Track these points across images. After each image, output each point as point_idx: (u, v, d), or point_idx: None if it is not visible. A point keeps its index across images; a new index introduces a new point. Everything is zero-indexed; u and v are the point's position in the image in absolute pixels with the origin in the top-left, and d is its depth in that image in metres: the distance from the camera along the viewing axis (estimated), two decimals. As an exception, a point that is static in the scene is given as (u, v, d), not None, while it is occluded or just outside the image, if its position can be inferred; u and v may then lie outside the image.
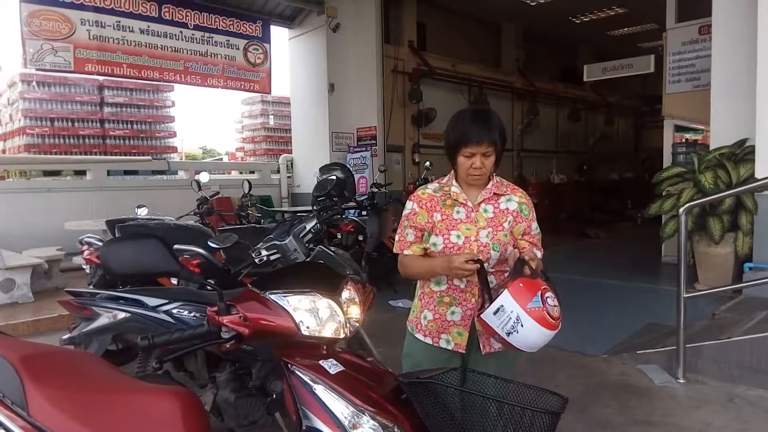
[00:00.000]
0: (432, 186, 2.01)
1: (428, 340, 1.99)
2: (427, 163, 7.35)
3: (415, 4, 10.41)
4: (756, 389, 3.46)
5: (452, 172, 1.98)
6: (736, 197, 5.25)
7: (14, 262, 5.80)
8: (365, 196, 7.40)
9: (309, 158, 9.17)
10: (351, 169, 8.99)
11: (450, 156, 1.93)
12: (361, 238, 6.03)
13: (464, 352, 1.95)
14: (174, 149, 12.47)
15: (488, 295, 1.67)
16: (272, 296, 1.53)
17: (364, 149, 9.02)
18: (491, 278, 1.83)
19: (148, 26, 8.03)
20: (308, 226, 3.14)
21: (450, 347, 1.94)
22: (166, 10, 8.23)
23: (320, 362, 1.48)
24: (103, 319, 2.20)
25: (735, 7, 5.41)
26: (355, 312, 1.71)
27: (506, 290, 1.61)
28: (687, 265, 3.72)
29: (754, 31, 4.73)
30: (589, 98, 15.80)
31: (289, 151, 10.54)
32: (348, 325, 1.63)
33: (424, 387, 1.41)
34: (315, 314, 1.54)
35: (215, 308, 1.48)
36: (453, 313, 1.93)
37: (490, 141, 1.82)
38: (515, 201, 1.94)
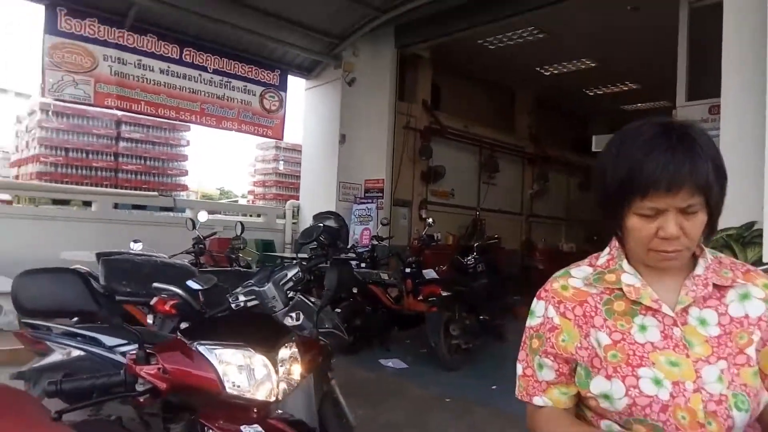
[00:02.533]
0: (579, 270, 1.12)
1: None
2: (429, 219, 7.29)
3: (431, 67, 10.67)
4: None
5: (614, 241, 1.10)
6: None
7: (3, 287, 5.71)
8: (366, 248, 7.33)
9: (315, 206, 9.14)
10: (356, 220, 8.99)
11: (608, 209, 1.05)
12: (355, 290, 5.90)
13: None
14: (185, 187, 12.59)
15: None
16: (200, 347, 1.39)
17: (370, 201, 9.01)
18: None
19: (168, 67, 8.26)
20: (290, 274, 3.02)
21: None
22: (187, 53, 8.48)
23: (242, 428, 1.33)
24: (56, 356, 2.07)
25: (743, 90, 5.43)
26: (296, 372, 1.57)
27: None
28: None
29: (762, 114, 4.72)
30: (601, 169, 15.82)
31: (297, 198, 10.57)
32: (284, 387, 1.48)
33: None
34: (248, 372, 1.39)
35: (134, 355, 1.34)
36: None
37: (695, 186, 0.94)
38: (759, 296, 1.02)
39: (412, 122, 10.20)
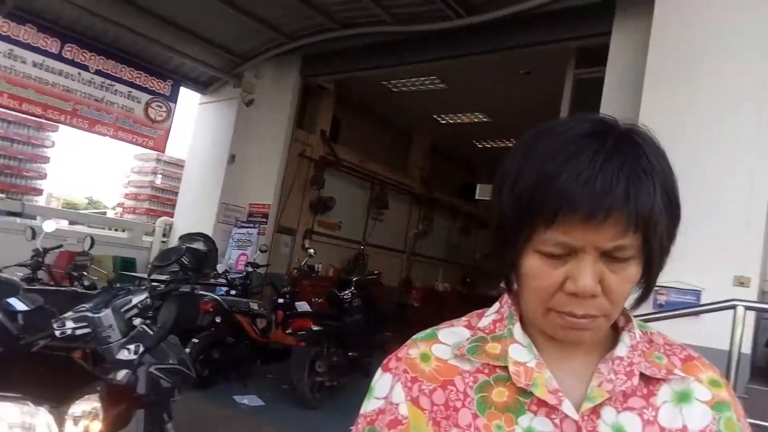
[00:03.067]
0: (451, 333, 0.76)
1: None
2: (311, 250, 7.19)
3: (334, 99, 10.75)
4: None
5: (505, 295, 0.77)
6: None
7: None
8: (240, 275, 7.04)
9: (191, 226, 8.67)
10: (234, 244, 8.64)
11: (500, 242, 0.71)
12: (218, 320, 5.60)
13: None
14: (39, 191, 11.37)
15: None
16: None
17: (252, 226, 8.73)
18: None
19: (44, 61, 7.55)
20: (135, 300, 2.76)
21: None
22: (69, 49, 7.81)
23: None
24: None
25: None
26: (95, 430, 1.38)
27: None
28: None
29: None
30: (481, 216, 16.76)
31: (172, 215, 9.97)
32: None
33: None
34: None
35: None
36: None
37: (632, 216, 0.61)
38: (703, 398, 0.71)
39: (308, 151, 10.14)
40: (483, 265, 17.65)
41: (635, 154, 0.63)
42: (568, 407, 0.66)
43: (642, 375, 0.69)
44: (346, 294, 6.53)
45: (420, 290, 13.26)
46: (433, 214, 14.35)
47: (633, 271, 0.64)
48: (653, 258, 0.65)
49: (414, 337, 0.77)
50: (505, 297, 0.76)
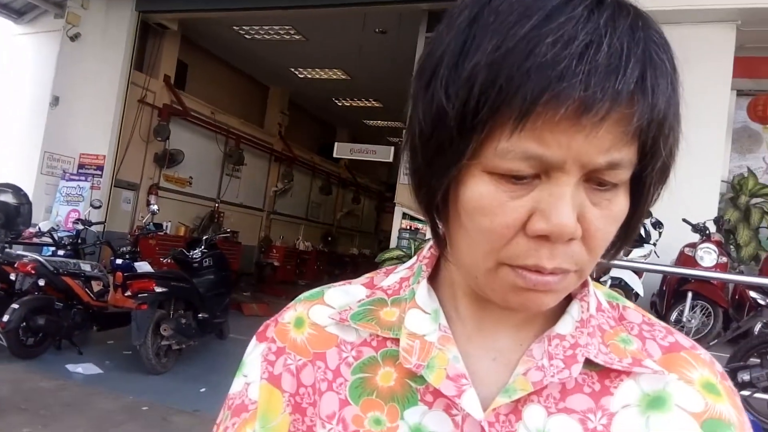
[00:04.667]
0: (341, 292, 0.55)
1: None
2: (154, 206, 6.58)
3: (179, 40, 9.79)
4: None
5: (425, 247, 0.56)
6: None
7: None
8: (70, 233, 6.24)
9: (9, 176, 7.43)
10: (62, 199, 7.62)
11: (431, 159, 0.44)
12: (42, 283, 4.90)
13: None
14: None
15: None
16: None
17: (83, 179, 7.72)
18: None
19: None
20: None
21: None
22: None
23: None
24: None
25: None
26: None
27: None
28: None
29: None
30: (342, 175, 16.83)
31: (-17, 164, 8.48)
32: None
33: None
34: None
35: None
36: None
37: (641, 112, 0.38)
38: (690, 408, 0.46)
39: (149, 97, 9.17)
40: (344, 224, 17.90)
41: (645, 21, 0.41)
42: (469, 401, 0.45)
43: (592, 364, 0.47)
44: (196, 253, 6.11)
45: (280, 249, 13.01)
46: (293, 172, 14.02)
47: (622, 203, 0.43)
48: (647, 185, 0.43)
49: (300, 296, 0.57)
50: (425, 248, 0.55)
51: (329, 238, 16.38)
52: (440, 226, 0.48)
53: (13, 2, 8.08)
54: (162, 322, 4.96)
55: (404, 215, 8.66)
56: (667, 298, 5.17)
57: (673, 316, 4.77)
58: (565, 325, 0.48)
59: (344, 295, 0.55)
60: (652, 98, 0.38)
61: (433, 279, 0.53)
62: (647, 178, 0.43)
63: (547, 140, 0.38)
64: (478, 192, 0.42)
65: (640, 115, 0.38)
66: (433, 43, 0.44)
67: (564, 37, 0.37)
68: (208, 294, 5.82)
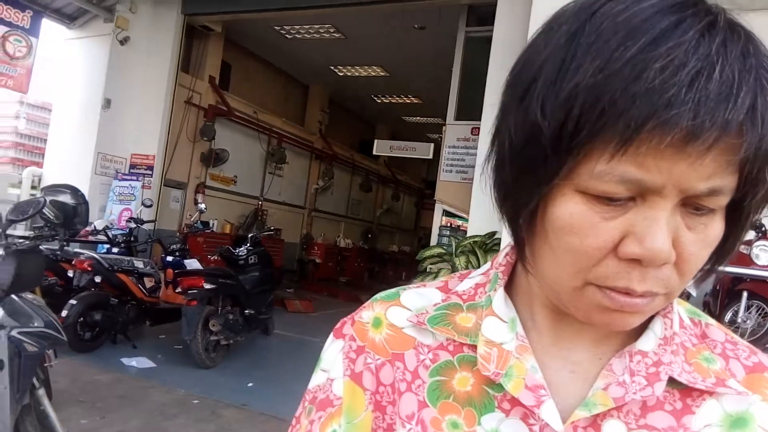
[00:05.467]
0: (417, 295, 0.56)
1: None
2: (202, 205, 6.77)
3: (223, 42, 10.01)
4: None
5: (504, 252, 0.55)
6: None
7: None
8: (123, 231, 6.49)
9: (65, 177, 7.76)
10: (115, 198, 7.93)
11: (519, 176, 0.43)
12: (98, 279, 5.12)
13: None
14: None
15: None
16: None
17: (135, 179, 8.02)
18: None
19: None
20: (-10, 257, 2.39)
21: None
22: None
23: None
24: None
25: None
26: None
27: None
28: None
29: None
30: (381, 172, 16.87)
31: (41, 165, 8.91)
32: None
33: None
34: None
35: None
36: None
37: (749, 141, 0.37)
38: None
39: (196, 98, 9.42)
40: (384, 221, 17.95)
41: (756, 45, 0.39)
42: (548, 412, 0.45)
43: (674, 382, 0.46)
44: (241, 251, 6.26)
45: (321, 246, 13.19)
46: (333, 170, 14.15)
47: (718, 228, 0.41)
48: (746, 211, 0.42)
49: (375, 296, 0.58)
50: (501, 254, 0.55)
51: (369, 236, 16.46)
52: (521, 234, 0.47)
53: (66, 7, 8.41)
54: (211, 318, 5.12)
55: (444, 212, 8.62)
56: (721, 298, 4.97)
57: (728, 316, 4.59)
58: (647, 342, 0.48)
59: (420, 297, 0.56)
60: (762, 128, 0.37)
61: (509, 287, 0.53)
62: (747, 205, 0.42)
63: (648, 165, 0.37)
64: (569, 211, 0.41)
65: (748, 145, 0.37)
66: (527, 54, 0.44)
67: (674, 63, 0.36)
68: (254, 290, 5.96)
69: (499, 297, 0.51)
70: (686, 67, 0.36)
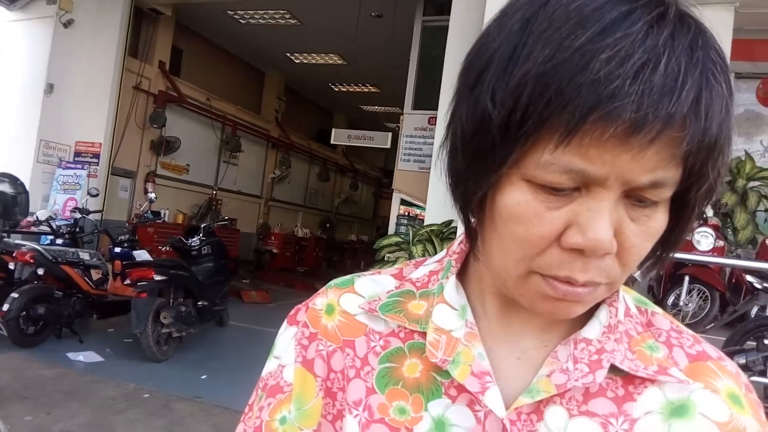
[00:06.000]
0: (371, 282, 0.56)
1: None
2: (152, 194, 6.55)
3: (173, 26, 9.69)
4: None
5: (458, 241, 0.55)
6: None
7: None
8: (68, 222, 6.23)
9: (5, 165, 7.38)
10: (59, 187, 7.60)
11: (470, 163, 0.43)
12: (41, 272, 4.90)
13: None
14: None
15: None
16: None
17: (80, 167, 7.69)
18: None
19: None
20: None
21: None
22: None
23: None
24: None
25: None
26: None
27: None
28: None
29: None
30: (340, 162, 16.79)
31: (-22, 154, 8.43)
32: None
33: None
34: None
35: None
36: None
37: (693, 134, 0.37)
38: (714, 416, 0.47)
39: (145, 84, 9.11)
40: (342, 211, 17.90)
41: (705, 38, 0.39)
42: (492, 398, 0.46)
43: (617, 370, 0.47)
44: (194, 241, 6.12)
45: (279, 236, 13.03)
46: (290, 159, 13.98)
47: (661, 220, 0.42)
48: (692, 203, 0.43)
49: (330, 282, 0.58)
50: (455, 242, 0.55)
51: (327, 225, 16.38)
52: (473, 224, 0.48)
53: (5, -12, 7.97)
54: (162, 310, 4.99)
55: (402, 201, 8.66)
56: (664, 282, 5.20)
57: (671, 299, 4.81)
58: (592, 330, 0.48)
59: (374, 284, 0.55)
60: (705, 122, 0.37)
61: (462, 275, 0.53)
62: (692, 197, 0.42)
63: (591, 157, 0.38)
64: (515, 200, 0.41)
65: (691, 138, 0.37)
66: (482, 41, 0.43)
67: (620, 54, 0.36)
68: (207, 282, 5.84)
69: (451, 284, 0.52)
70: (632, 59, 0.36)
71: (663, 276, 5.22)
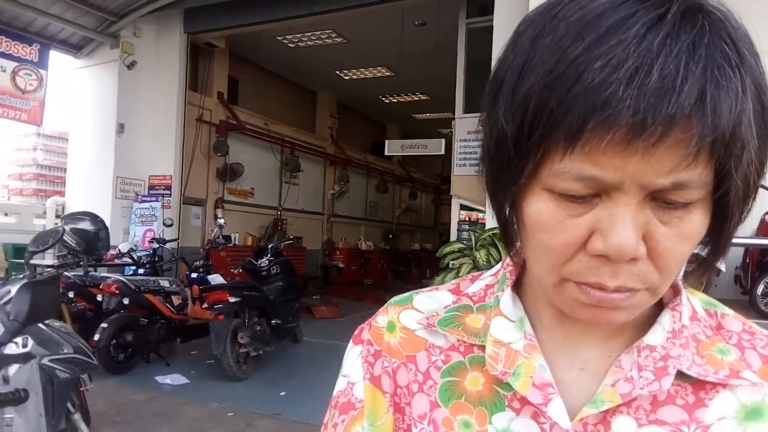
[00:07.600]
0: (429, 298, 0.57)
1: None
2: (221, 220, 6.83)
3: (227, 57, 10.13)
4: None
5: (509, 258, 0.53)
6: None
7: None
8: (148, 252, 6.60)
9: (87, 204, 7.96)
10: (137, 220, 8.07)
11: (497, 176, 0.45)
12: (126, 301, 5.21)
13: None
14: None
15: None
16: None
17: (154, 199, 8.15)
18: None
19: None
20: (15, 290, 2.45)
21: None
22: None
23: None
24: None
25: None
26: None
27: None
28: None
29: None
30: (396, 172, 16.87)
31: (63, 194, 9.12)
32: None
33: None
34: None
35: None
36: None
37: (705, 133, 0.36)
38: None
39: (206, 115, 9.55)
40: (403, 221, 17.95)
41: (713, 32, 0.37)
42: (556, 410, 0.45)
43: (686, 376, 0.45)
44: (263, 262, 6.32)
45: (343, 251, 13.24)
46: (348, 174, 14.20)
47: (697, 222, 0.40)
48: (730, 203, 0.41)
49: (390, 300, 0.60)
50: (506, 259, 0.55)
51: (390, 236, 16.45)
52: (515, 240, 0.48)
53: (71, 37, 8.59)
54: (239, 331, 5.17)
55: (462, 206, 8.57)
56: (752, 270, 4.85)
57: (760, 289, 4.47)
58: (655, 336, 0.47)
59: (432, 300, 0.57)
60: (713, 118, 0.36)
61: (518, 287, 0.54)
62: (727, 197, 0.40)
63: (601, 163, 0.38)
64: (538, 209, 0.42)
65: (699, 137, 0.36)
66: (500, 60, 0.44)
67: (613, 61, 0.36)
68: (279, 300, 6.00)
69: (507, 297, 0.52)
70: (626, 65, 0.36)
71: (749, 264, 4.87)
